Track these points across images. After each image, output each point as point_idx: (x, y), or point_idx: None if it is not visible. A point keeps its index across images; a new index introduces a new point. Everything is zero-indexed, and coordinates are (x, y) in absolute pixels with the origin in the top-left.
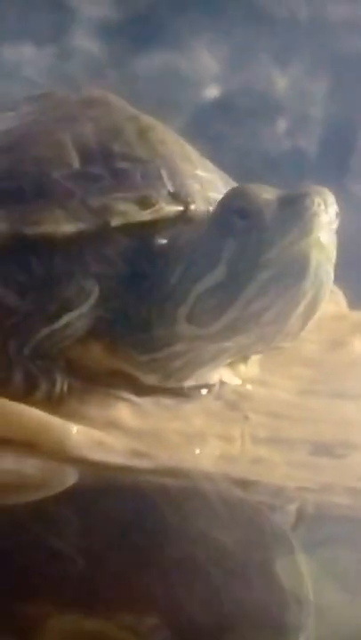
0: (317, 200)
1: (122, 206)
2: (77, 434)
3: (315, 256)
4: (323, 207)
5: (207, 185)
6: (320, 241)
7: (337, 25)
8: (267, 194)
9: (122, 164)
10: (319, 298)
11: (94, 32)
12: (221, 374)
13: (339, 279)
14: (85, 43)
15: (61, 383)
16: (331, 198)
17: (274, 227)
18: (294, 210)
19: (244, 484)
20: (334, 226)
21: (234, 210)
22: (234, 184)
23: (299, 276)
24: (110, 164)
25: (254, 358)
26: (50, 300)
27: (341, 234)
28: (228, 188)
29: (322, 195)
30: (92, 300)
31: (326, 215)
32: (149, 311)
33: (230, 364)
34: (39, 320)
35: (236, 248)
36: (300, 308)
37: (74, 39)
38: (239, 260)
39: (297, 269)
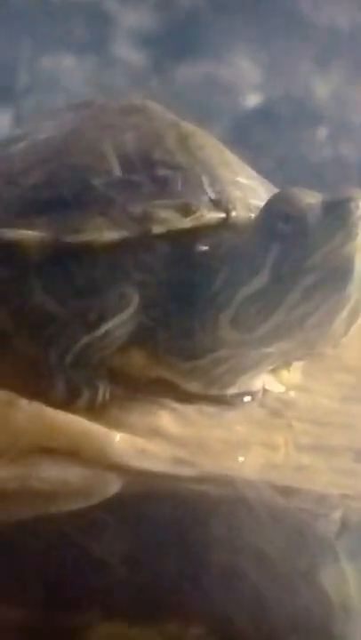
0: None
1: (163, 214)
2: (120, 441)
3: (359, 260)
4: None
5: (248, 192)
6: None
7: None
8: (310, 198)
9: (162, 172)
10: None
11: (134, 41)
12: (264, 381)
13: None
14: (125, 52)
15: (103, 391)
16: None
17: (317, 231)
18: (338, 214)
19: (287, 491)
20: None
21: (277, 215)
22: (276, 191)
23: (343, 281)
24: (151, 171)
25: (296, 365)
26: (90, 308)
27: None
28: (270, 195)
29: None
30: (133, 307)
31: None
32: (191, 318)
33: (273, 371)
34: (79, 328)
35: (280, 253)
36: (344, 313)
37: (114, 48)
38: (283, 265)
39: (341, 273)
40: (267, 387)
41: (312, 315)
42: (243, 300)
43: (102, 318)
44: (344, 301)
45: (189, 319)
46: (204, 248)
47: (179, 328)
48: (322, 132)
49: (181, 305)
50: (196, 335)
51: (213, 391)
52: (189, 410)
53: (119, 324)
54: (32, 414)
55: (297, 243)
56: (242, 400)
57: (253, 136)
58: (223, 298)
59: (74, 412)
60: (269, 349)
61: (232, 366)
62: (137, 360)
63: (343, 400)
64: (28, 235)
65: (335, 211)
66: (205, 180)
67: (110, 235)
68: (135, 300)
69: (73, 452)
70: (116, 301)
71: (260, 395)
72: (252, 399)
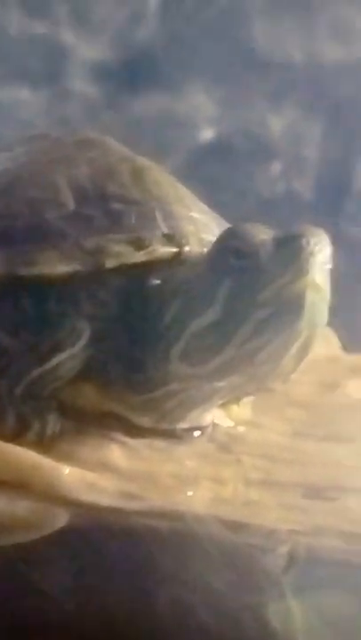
0: (313, 240)
1: (116, 247)
2: (69, 475)
3: (310, 296)
4: (318, 247)
5: (201, 227)
6: (315, 281)
7: (332, 68)
8: (262, 234)
9: (116, 206)
10: (313, 338)
11: (90, 74)
12: (214, 416)
13: (333, 322)
14: (81, 85)
15: (53, 424)
16: (326, 239)
17: (270, 267)
18: (290, 250)
19: (235, 526)
20: (329, 266)
21: (230, 250)
22: (228, 226)
23: (294, 316)
24: (105, 205)
25: (246, 400)
26: (41, 341)
27: (336, 276)
28: (223, 230)
29: (317, 235)
30: (84, 340)
31: (321, 255)
32: (143, 351)
33: (223, 406)
34: (31, 361)
35: (232, 288)
36: (294, 349)
37: (70, 81)
38: (235, 300)
39: (293, 309)
40: (217, 421)
41: (262, 350)
42: (193, 333)
43: (53, 351)
44: (295, 337)
45: (140, 353)
46: (157, 282)
47: (130, 362)
48: (276, 168)
49: (132, 339)
50: (147, 369)
51: (164, 425)
52: (140, 444)
53: (70, 357)
54: None
55: (249, 278)
56: (192, 434)
57: (207, 170)
58: (174, 332)
59: (23, 444)
60: (220, 384)
61: (183, 400)
62: (88, 393)
63: (293, 436)
64: None
65: (287, 247)
66: (159, 214)
67: (63, 268)
68: (86, 334)
69: (22, 485)
70: (68, 334)
71: (209, 429)
72: (202, 434)
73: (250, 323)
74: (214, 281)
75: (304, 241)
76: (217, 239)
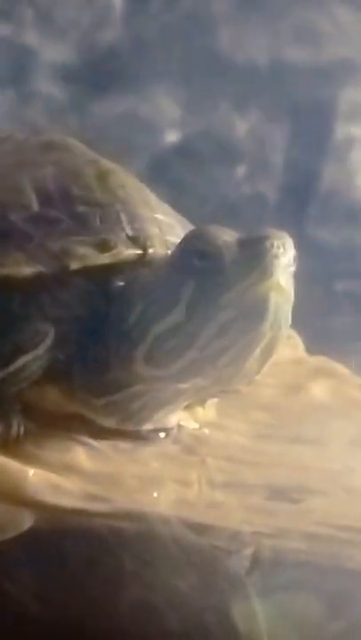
0: (277, 243)
1: (81, 250)
2: (34, 477)
3: (274, 299)
4: (282, 250)
5: (166, 229)
6: (279, 284)
7: (296, 71)
8: (226, 236)
9: (81, 208)
10: (277, 340)
11: (55, 76)
12: (179, 418)
13: (297, 324)
14: (46, 87)
15: (17, 426)
16: (289, 241)
17: (233, 269)
18: (254, 252)
19: (199, 528)
20: (293, 269)
21: (193, 251)
22: (193, 228)
23: (258, 318)
24: (69, 207)
25: (211, 402)
26: (4, 343)
27: (301, 279)
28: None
29: (280, 238)
30: (48, 342)
31: (285, 258)
32: (107, 353)
33: (188, 408)
34: None
35: (195, 289)
36: (258, 351)
37: (34, 83)
38: (198, 302)
39: (256, 311)
40: (182, 423)
41: (226, 352)
42: (157, 335)
43: (17, 353)
44: (258, 339)
45: (104, 355)
46: (121, 284)
47: (93, 364)
48: (240, 170)
49: (96, 341)
50: (111, 371)
51: (128, 427)
52: (104, 445)
53: (34, 360)
54: None
55: (212, 280)
56: (157, 436)
57: (172, 173)
58: (137, 333)
59: None
60: (184, 386)
61: (147, 402)
62: (52, 395)
63: (257, 438)
64: None
65: (251, 249)
66: (124, 216)
67: (27, 270)
68: (50, 336)
69: None
70: (31, 337)
71: (174, 431)
72: (167, 435)
73: (213, 325)
74: (178, 283)
75: (268, 243)
76: (181, 241)
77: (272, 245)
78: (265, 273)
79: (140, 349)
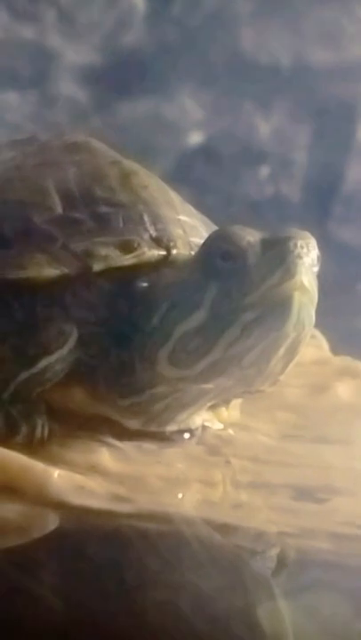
0: (300, 243)
1: (104, 251)
2: (58, 478)
3: (297, 298)
4: (305, 250)
5: (189, 230)
6: (303, 284)
7: (319, 71)
8: (250, 236)
9: (104, 209)
10: (301, 340)
11: (78, 78)
12: (203, 418)
13: (321, 324)
14: (69, 89)
15: (42, 427)
16: (313, 241)
17: (257, 269)
18: (277, 252)
19: (225, 528)
20: (316, 269)
21: (217, 252)
22: (216, 228)
23: (281, 319)
24: (92, 208)
25: (235, 402)
26: (29, 344)
27: (324, 279)
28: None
29: (304, 238)
30: (72, 343)
31: (309, 258)
32: (131, 354)
33: (212, 408)
34: (18, 364)
35: (219, 290)
36: (282, 351)
37: (57, 85)
38: (222, 302)
39: (280, 312)
40: (206, 424)
41: (250, 352)
42: (181, 336)
43: (41, 354)
44: (282, 339)
45: (128, 356)
46: (144, 285)
47: (118, 365)
48: (264, 171)
49: (120, 342)
50: (135, 372)
51: (152, 428)
52: (129, 446)
53: (58, 361)
54: None
55: (236, 280)
56: (181, 437)
57: (195, 174)
58: (161, 334)
59: (12, 447)
60: (208, 386)
61: (171, 403)
62: (76, 396)
63: (282, 438)
64: None
65: (274, 249)
66: (147, 217)
67: (51, 271)
68: (74, 337)
69: (11, 488)
70: (55, 337)
71: (199, 432)
72: (192, 436)
73: (237, 325)
74: (202, 283)
75: (292, 243)
76: (204, 242)
77: (295, 245)
78: (288, 273)
79: (164, 350)
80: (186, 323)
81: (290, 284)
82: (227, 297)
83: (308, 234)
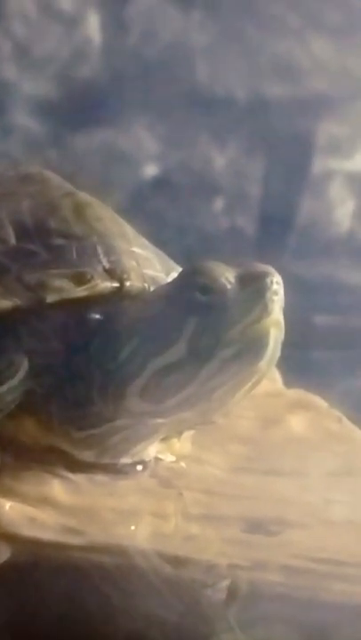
0: (275, 279)
1: (57, 282)
2: (10, 510)
3: (273, 334)
4: (278, 287)
5: (143, 262)
6: (278, 320)
7: (274, 105)
8: (227, 272)
9: (58, 241)
10: (265, 375)
11: (33, 109)
12: (156, 450)
13: None
14: (24, 120)
15: None
16: (279, 276)
17: (236, 305)
18: (256, 289)
19: (177, 560)
20: (282, 304)
21: (194, 286)
22: (171, 262)
23: (258, 354)
24: (46, 240)
25: (187, 434)
26: None
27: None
28: (165, 266)
29: (274, 273)
30: (22, 374)
31: (281, 294)
32: (88, 387)
33: (164, 440)
34: None
35: (197, 325)
36: (248, 385)
37: (13, 117)
38: (200, 338)
39: (258, 347)
40: (159, 456)
41: (222, 387)
42: (156, 370)
43: None
44: (254, 374)
45: (86, 389)
46: (97, 317)
47: (73, 397)
48: (218, 204)
49: (76, 374)
50: (95, 405)
51: (106, 460)
52: (81, 479)
53: (8, 391)
54: None
55: (215, 316)
56: (134, 469)
57: (150, 206)
58: (133, 368)
59: None
60: (169, 419)
61: (127, 435)
62: (29, 428)
63: (234, 470)
64: None
65: (252, 285)
66: (100, 249)
67: (4, 303)
68: (24, 367)
69: None
70: (5, 368)
71: (151, 464)
72: (144, 468)
73: (215, 361)
74: (178, 318)
75: (268, 280)
76: (179, 276)
77: (272, 282)
78: (266, 310)
79: (135, 385)
80: (162, 358)
81: (267, 321)
82: (205, 332)
83: (272, 268)
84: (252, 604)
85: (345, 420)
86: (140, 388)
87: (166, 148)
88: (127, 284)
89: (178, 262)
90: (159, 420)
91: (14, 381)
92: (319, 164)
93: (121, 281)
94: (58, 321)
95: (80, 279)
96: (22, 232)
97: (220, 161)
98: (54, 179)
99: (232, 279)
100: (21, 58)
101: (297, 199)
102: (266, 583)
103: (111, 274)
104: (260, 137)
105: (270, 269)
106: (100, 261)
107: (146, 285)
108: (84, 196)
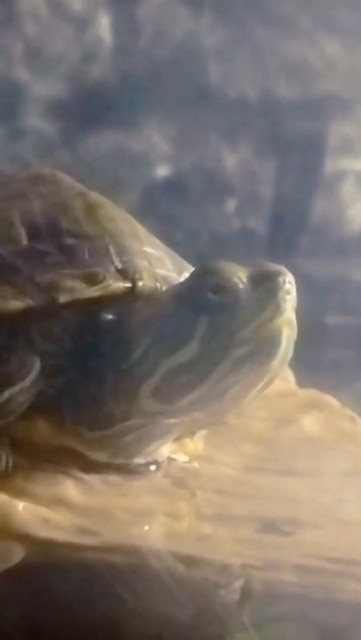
0: (288, 279)
1: (69, 283)
2: (23, 511)
3: (285, 334)
4: (291, 286)
5: (155, 262)
6: (290, 319)
7: (286, 105)
8: (239, 271)
9: (69, 241)
10: (278, 374)
11: (45, 111)
12: (169, 450)
13: None
14: (35, 122)
15: (6, 460)
16: (291, 276)
17: (249, 304)
18: (268, 288)
19: (189, 560)
20: (295, 304)
21: (207, 286)
22: (182, 261)
23: (270, 353)
24: (58, 240)
25: (200, 434)
26: None
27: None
28: (177, 266)
29: (287, 273)
30: (34, 375)
31: (293, 293)
32: (100, 388)
33: (177, 440)
34: None
35: (210, 324)
36: (261, 385)
37: (24, 119)
38: (213, 337)
39: (270, 347)
40: (172, 456)
41: (234, 387)
42: (169, 370)
43: (3, 385)
44: (267, 374)
45: (98, 389)
46: (110, 317)
47: (86, 398)
48: (230, 205)
49: (88, 375)
50: (107, 405)
51: (119, 460)
52: (94, 479)
53: (20, 392)
54: None
55: (227, 315)
56: (147, 469)
57: (162, 207)
58: (145, 368)
59: None
60: (181, 419)
61: (140, 435)
62: (41, 429)
63: (247, 470)
64: None
65: (265, 285)
66: (112, 249)
67: (16, 303)
68: (37, 367)
69: None
70: (17, 369)
71: (165, 464)
72: (157, 468)
73: (228, 360)
74: (190, 317)
75: (281, 279)
76: (192, 276)
77: (284, 281)
78: (278, 309)
79: (147, 385)
80: (174, 358)
81: (280, 320)
82: (218, 332)
83: (284, 268)
84: (265, 603)
85: (358, 419)
86: (152, 388)
87: (178, 149)
88: (139, 284)
89: (190, 263)
90: (172, 420)
91: (26, 382)
92: (331, 165)
93: (133, 281)
94: (70, 321)
95: (92, 279)
96: (34, 232)
97: (231, 162)
98: (66, 179)
99: (244, 279)
100: (32, 59)
101: (309, 199)
102: (279, 583)
103: (123, 274)
104: (271, 138)
105: (283, 269)
106: (112, 261)
107: (158, 285)
108: (95, 196)
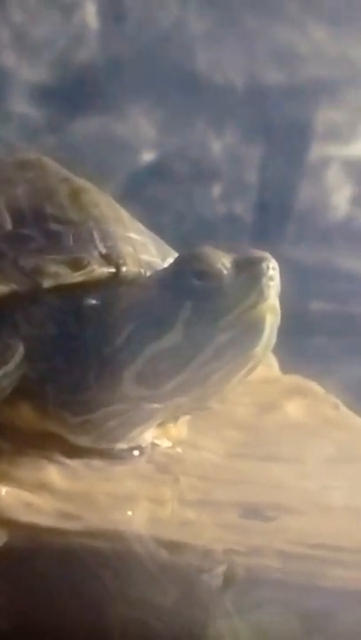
0: (271, 265)
1: (53, 268)
2: (6, 495)
3: (269, 320)
4: (274, 272)
5: (139, 247)
6: (274, 305)
7: (272, 91)
8: (223, 257)
9: (54, 226)
10: (261, 360)
11: (30, 96)
12: (153, 435)
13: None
14: (21, 107)
15: None
16: (275, 262)
17: (233, 290)
18: (252, 274)
19: (172, 546)
20: (278, 290)
21: (191, 272)
22: (167, 247)
23: (254, 339)
24: (43, 225)
25: (183, 419)
26: None
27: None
28: (161, 251)
29: (271, 259)
30: (17, 359)
31: (277, 279)
32: (84, 373)
33: (160, 425)
34: None
35: (193, 310)
36: (244, 371)
37: (10, 103)
38: (196, 323)
39: (253, 333)
40: (155, 441)
41: (217, 372)
42: (153, 355)
43: None
44: (250, 359)
45: (82, 374)
46: (93, 302)
47: (70, 382)
48: (216, 190)
49: (73, 359)
50: (91, 390)
51: (102, 445)
52: (78, 464)
53: (4, 376)
54: None
55: (212, 301)
56: (130, 454)
57: (148, 192)
58: (129, 353)
59: None
60: (165, 404)
61: (124, 420)
62: (25, 413)
63: (231, 456)
64: None
65: (249, 271)
66: (96, 235)
67: (1, 288)
68: (20, 352)
69: None
70: (1, 353)
71: (148, 449)
72: (141, 454)
73: (211, 346)
74: (174, 303)
75: (265, 265)
76: (175, 261)
77: (268, 267)
78: (262, 295)
79: (131, 370)
80: (157, 343)
81: (263, 307)
82: (201, 318)
83: (269, 255)
84: (248, 589)
85: (342, 406)
86: (135, 373)
87: (164, 134)
88: (123, 269)
89: (175, 248)
90: (155, 406)
91: (10, 366)
92: (317, 151)
93: (117, 266)
94: (54, 306)
95: (76, 265)
96: (19, 218)
97: (217, 147)
98: (52, 165)
99: (228, 265)
100: (19, 44)
101: (295, 185)
102: (262, 568)
103: (107, 259)
104: (257, 123)
105: (266, 255)
106: (96, 247)
107: (142, 271)
108: (80, 181)
